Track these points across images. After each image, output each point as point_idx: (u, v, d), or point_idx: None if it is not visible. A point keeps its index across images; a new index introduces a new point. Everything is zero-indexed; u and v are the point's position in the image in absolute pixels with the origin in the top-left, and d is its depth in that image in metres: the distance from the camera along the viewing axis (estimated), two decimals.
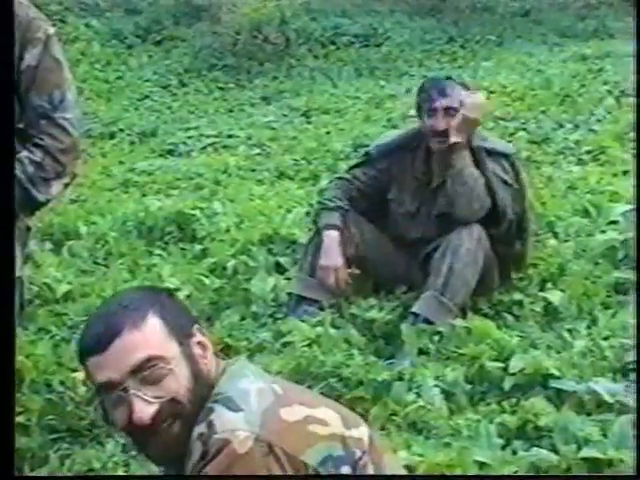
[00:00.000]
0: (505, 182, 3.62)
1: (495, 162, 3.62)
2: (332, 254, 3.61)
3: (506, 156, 3.67)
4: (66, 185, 2.67)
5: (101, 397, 1.67)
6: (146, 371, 1.63)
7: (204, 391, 1.67)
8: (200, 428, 1.59)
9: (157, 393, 1.64)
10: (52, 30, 2.61)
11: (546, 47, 9.69)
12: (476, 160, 3.57)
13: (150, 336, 1.66)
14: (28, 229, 2.72)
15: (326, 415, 1.65)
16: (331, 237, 3.64)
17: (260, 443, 1.55)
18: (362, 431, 1.69)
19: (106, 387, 1.65)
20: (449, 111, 3.53)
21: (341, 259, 3.61)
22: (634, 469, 2.33)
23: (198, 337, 1.72)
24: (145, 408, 1.63)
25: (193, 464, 1.59)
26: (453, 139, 3.52)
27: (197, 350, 1.71)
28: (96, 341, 1.65)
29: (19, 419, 2.95)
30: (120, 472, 2.69)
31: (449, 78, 3.69)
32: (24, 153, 2.57)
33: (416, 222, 3.70)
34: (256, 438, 1.55)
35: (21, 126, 2.58)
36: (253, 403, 1.61)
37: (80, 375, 3.14)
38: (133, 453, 2.78)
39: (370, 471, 1.64)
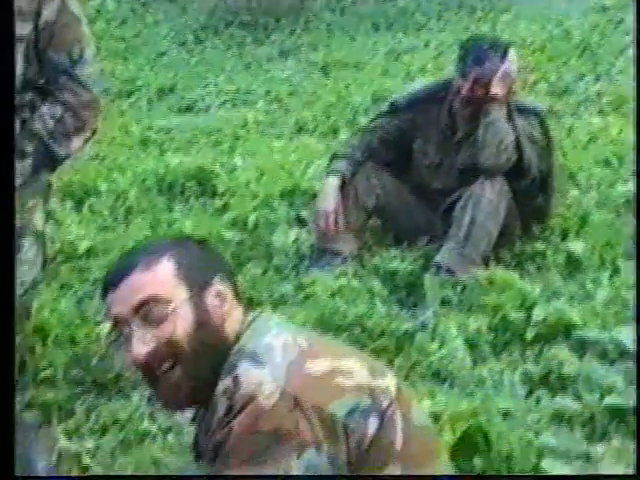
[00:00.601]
0: (533, 139, 3.61)
1: (525, 119, 3.61)
2: (327, 198, 3.62)
3: (536, 114, 3.65)
4: (86, 140, 2.68)
5: (115, 334, 1.71)
6: (147, 310, 1.66)
7: (210, 340, 1.67)
8: (225, 383, 1.59)
9: (155, 333, 1.66)
10: None
11: None
12: (507, 116, 3.56)
13: (159, 277, 1.68)
14: (49, 185, 2.73)
15: (352, 366, 1.64)
16: (330, 183, 3.65)
17: (286, 397, 1.54)
18: (389, 380, 1.69)
19: (115, 323, 1.69)
20: (479, 81, 3.51)
21: (334, 204, 3.60)
22: (634, 469, 2.33)
23: (217, 288, 1.72)
24: (141, 347, 1.65)
25: (219, 419, 1.59)
26: (493, 91, 3.50)
27: (212, 300, 1.70)
28: (111, 278, 1.71)
29: (45, 373, 2.98)
30: (146, 423, 2.71)
31: (492, 46, 3.59)
32: (44, 108, 2.58)
33: (439, 173, 3.70)
34: (282, 392, 1.54)
35: (41, 82, 2.58)
36: (278, 357, 1.60)
37: (104, 329, 3.17)
38: (158, 405, 2.81)
39: (398, 420, 1.64)
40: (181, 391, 1.68)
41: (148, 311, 1.66)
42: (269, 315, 1.77)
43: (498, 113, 3.53)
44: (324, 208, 3.61)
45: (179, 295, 1.67)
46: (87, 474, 2.54)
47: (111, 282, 1.70)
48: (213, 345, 1.68)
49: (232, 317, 1.72)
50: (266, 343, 1.63)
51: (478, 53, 3.55)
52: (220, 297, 1.71)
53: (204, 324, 1.68)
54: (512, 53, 3.64)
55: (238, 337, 1.69)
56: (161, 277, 1.68)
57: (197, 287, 1.69)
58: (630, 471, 2.26)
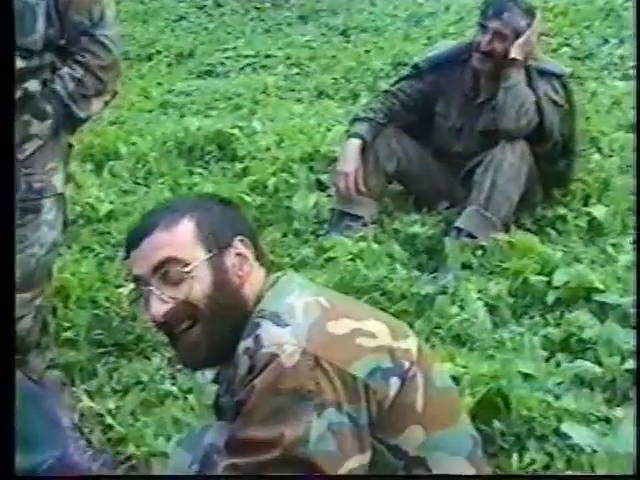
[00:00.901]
0: (555, 103, 3.57)
1: (546, 82, 3.57)
2: (347, 160, 3.61)
3: (558, 77, 3.61)
4: (106, 103, 2.67)
5: (136, 292, 1.74)
6: (166, 270, 1.67)
7: (228, 301, 1.68)
8: (247, 342, 1.60)
9: (173, 293, 1.67)
10: None
11: None
12: (528, 79, 3.53)
13: (177, 238, 1.69)
14: (70, 146, 2.73)
15: (374, 327, 1.65)
16: (351, 144, 3.64)
17: (307, 356, 1.55)
18: (411, 342, 1.69)
19: (137, 281, 1.72)
20: (498, 34, 3.49)
21: (354, 166, 3.59)
22: (634, 469, 2.32)
23: (237, 249, 1.72)
24: (159, 306, 1.67)
25: (241, 377, 1.60)
26: (512, 55, 3.48)
27: (232, 260, 1.71)
28: (133, 237, 1.73)
29: (67, 334, 3.01)
30: (167, 384, 2.74)
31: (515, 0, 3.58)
32: (64, 69, 2.57)
33: (460, 137, 3.68)
34: (303, 352, 1.55)
35: (61, 43, 2.57)
36: (300, 317, 1.61)
37: (125, 291, 3.18)
38: (179, 366, 2.83)
39: (419, 381, 1.65)
40: (200, 350, 1.70)
41: (167, 271, 1.67)
42: (292, 275, 1.77)
43: (518, 76, 3.50)
44: (344, 170, 3.61)
45: (197, 256, 1.68)
46: (109, 433, 2.57)
47: (133, 241, 1.72)
48: (231, 305, 1.69)
49: (253, 278, 1.73)
50: (288, 303, 1.64)
51: (498, 6, 3.52)
52: (240, 258, 1.72)
53: (222, 285, 1.69)
54: (534, 12, 3.62)
55: (260, 298, 1.69)
56: (180, 238, 1.69)
57: (216, 248, 1.70)
58: (630, 471, 2.25)
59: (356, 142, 3.63)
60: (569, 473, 2.22)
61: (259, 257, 1.76)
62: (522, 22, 3.53)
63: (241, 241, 1.73)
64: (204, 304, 1.67)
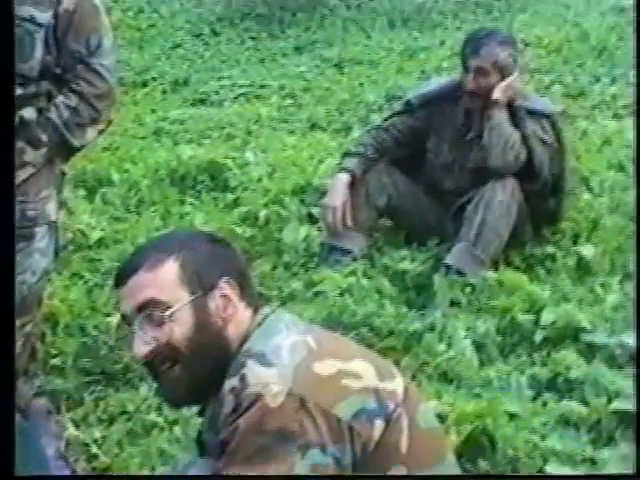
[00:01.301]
0: (544, 141, 3.60)
1: (535, 121, 3.61)
2: (335, 194, 3.62)
3: (547, 116, 3.65)
4: (101, 131, 2.69)
5: (124, 328, 1.74)
6: (149, 311, 1.68)
7: (210, 342, 1.69)
8: (232, 382, 1.61)
9: (155, 335, 1.68)
10: None
11: None
12: (516, 119, 3.58)
13: (161, 279, 1.69)
14: (63, 174, 2.74)
15: (360, 368, 1.65)
16: (339, 179, 3.65)
17: (292, 397, 1.56)
18: (397, 383, 1.69)
19: (123, 319, 1.74)
20: (480, 71, 3.53)
21: (341, 200, 3.60)
22: (634, 469, 2.33)
23: (223, 290, 1.72)
24: (141, 346, 1.69)
25: (225, 416, 1.60)
26: (495, 96, 3.52)
27: (216, 302, 1.71)
28: (120, 275, 1.75)
29: (54, 361, 3.01)
30: (154, 415, 2.73)
31: (488, 34, 3.64)
32: (60, 98, 2.59)
33: (451, 173, 3.70)
34: (288, 392, 1.56)
35: (58, 71, 2.59)
36: (286, 358, 1.61)
37: (114, 320, 3.19)
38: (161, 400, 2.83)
39: (404, 423, 1.65)
40: (181, 389, 1.72)
41: (150, 313, 1.69)
42: (280, 314, 1.77)
43: (500, 115, 3.54)
44: (331, 204, 3.62)
45: (180, 298, 1.69)
46: (94, 463, 2.56)
47: (120, 278, 1.74)
48: (213, 347, 1.70)
49: (238, 319, 1.73)
50: (275, 344, 1.65)
51: (474, 43, 3.56)
52: (224, 299, 1.72)
53: (204, 327, 1.70)
54: (512, 40, 3.69)
55: (246, 337, 1.70)
56: (164, 279, 1.70)
57: (200, 289, 1.70)
58: (630, 471, 2.26)
59: (345, 176, 3.65)
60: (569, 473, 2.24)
61: (247, 297, 1.76)
62: (501, 54, 3.56)
63: (226, 282, 1.73)
64: (185, 346, 1.69)
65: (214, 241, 1.81)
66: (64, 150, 2.65)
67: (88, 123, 2.62)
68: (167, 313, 1.68)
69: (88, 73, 2.59)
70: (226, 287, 1.73)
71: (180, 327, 1.68)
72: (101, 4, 2.64)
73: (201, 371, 1.70)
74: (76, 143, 2.63)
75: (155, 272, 1.70)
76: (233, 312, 1.72)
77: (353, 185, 3.64)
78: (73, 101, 2.58)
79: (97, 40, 2.59)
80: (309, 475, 1.55)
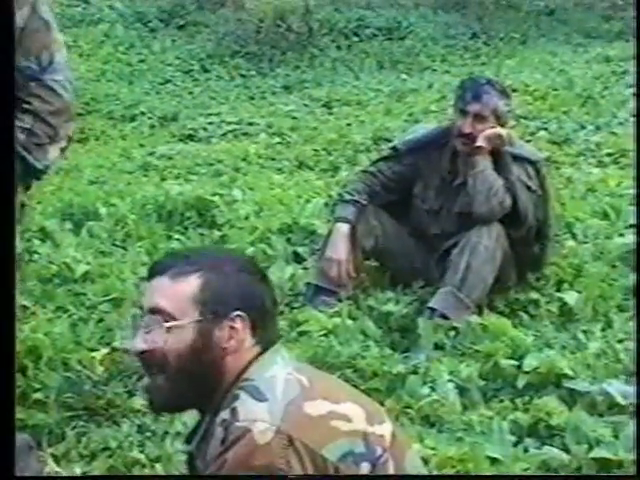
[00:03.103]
0: (529, 188, 3.65)
1: (520, 167, 3.65)
2: (337, 247, 3.64)
3: (532, 162, 3.70)
4: (62, 150, 2.61)
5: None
6: (156, 316, 1.70)
7: (201, 369, 1.69)
8: (224, 414, 1.62)
9: (155, 338, 1.70)
10: None
11: (570, 47, 9.65)
12: (501, 164, 3.62)
13: (177, 291, 1.71)
14: (22, 205, 2.65)
15: (350, 411, 1.66)
16: (339, 230, 3.66)
17: (280, 435, 1.57)
18: (385, 428, 1.70)
19: (140, 308, 1.77)
20: (478, 117, 3.59)
21: (345, 253, 3.62)
22: (634, 469, 2.35)
23: (231, 323, 1.71)
24: (139, 342, 1.71)
25: (214, 448, 1.62)
26: (479, 143, 3.57)
27: (222, 332, 1.70)
28: (150, 271, 1.78)
29: (36, 395, 2.99)
30: (135, 452, 2.72)
31: (489, 82, 3.72)
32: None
33: (438, 218, 3.73)
34: (277, 430, 1.57)
35: None
36: (278, 394, 1.62)
37: (98, 355, 3.18)
38: (148, 434, 2.82)
39: (390, 469, 1.66)
40: (160, 397, 1.73)
41: (156, 318, 1.70)
42: (279, 348, 1.76)
43: (484, 162, 3.59)
44: (335, 257, 3.62)
45: (186, 315, 1.70)
46: None
47: (149, 274, 1.77)
48: (202, 372, 1.70)
49: (241, 353, 1.72)
50: (268, 377, 1.66)
51: (476, 89, 3.62)
52: (232, 331, 1.71)
53: (201, 350, 1.70)
54: (509, 92, 3.78)
55: (246, 369, 1.70)
56: (179, 293, 1.70)
57: (211, 314, 1.70)
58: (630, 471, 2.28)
59: (344, 227, 3.65)
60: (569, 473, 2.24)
61: (260, 335, 1.74)
62: (500, 102, 3.64)
63: (238, 316, 1.71)
64: (174, 360, 1.69)
65: (249, 272, 1.77)
66: (27, 175, 2.57)
67: (47, 142, 2.55)
68: (167, 325, 1.69)
69: (41, 90, 2.53)
70: (237, 320, 1.71)
71: (176, 342, 1.69)
72: (52, 19, 2.57)
73: (183, 390, 1.70)
74: (39, 165, 2.57)
75: (176, 283, 1.71)
76: (237, 345, 1.71)
77: (352, 235, 3.66)
78: (28, 122, 2.52)
79: (49, 56, 2.53)
80: (310, 475, 1.56)
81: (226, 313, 1.71)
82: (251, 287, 1.75)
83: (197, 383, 1.70)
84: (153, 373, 1.72)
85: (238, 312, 1.71)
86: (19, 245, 2.62)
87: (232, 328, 1.71)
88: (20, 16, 2.48)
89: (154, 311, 1.71)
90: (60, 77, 2.55)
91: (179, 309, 1.70)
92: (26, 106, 2.52)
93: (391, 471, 1.66)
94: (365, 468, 1.62)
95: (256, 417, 1.58)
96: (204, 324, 1.70)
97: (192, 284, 1.71)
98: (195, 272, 1.71)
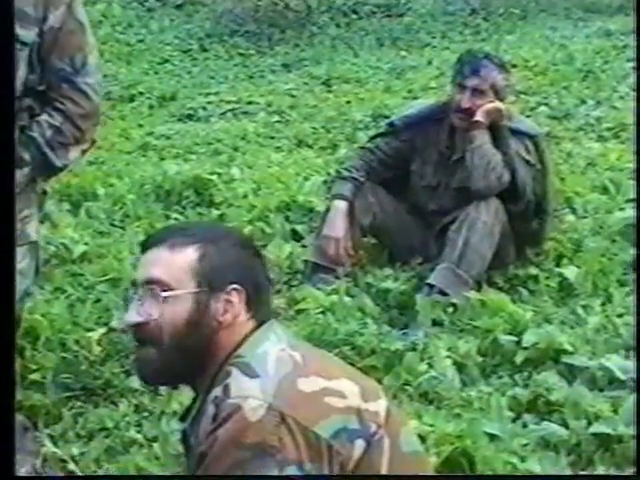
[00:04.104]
0: (527, 162, 3.63)
1: (519, 142, 3.63)
2: (335, 225, 3.62)
3: (531, 137, 3.67)
4: (84, 151, 2.64)
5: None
6: (152, 287, 1.68)
7: (196, 341, 1.68)
8: (216, 391, 1.61)
9: (149, 310, 1.68)
10: None
11: (570, 22, 9.60)
12: (499, 139, 3.59)
13: (174, 262, 1.70)
14: (44, 192, 2.70)
15: (344, 387, 1.64)
16: (337, 207, 3.64)
17: (272, 412, 1.55)
18: (380, 404, 1.68)
19: (133, 284, 1.76)
20: (477, 91, 3.57)
21: (343, 230, 3.61)
22: (634, 469, 2.33)
23: (229, 295, 1.70)
24: (132, 315, 1.70)
25: (206, 425, 1.61)
26: (477, 117, 3.55)
27: (218, 304, 1.69)
28: (145, 243, 1.77)
29: (33, 376, 2.98)
30: (132, 432, 2.71)
31: (487, 56, 3.70)
32: (44, 116, 2.54)
33: (435, 194, 3.71)
34: (269, 407, 1.56)
35: (42, 88, 2.55)
36: (270, 370, 1.61)
37: (95, 335, 3.17)
38: (145, 414, 2.82)
39: (385, 445, 1.64)
40: (149, 369, 1.72)
41: (153, 289, 1.68)
42: (272, 323, 1.74)
43: (483, 137, 3.57)
44: (333, 235, 3.61)
45: (184, 287, 1.69)
46: None
47: (144, 246, 1.76)
48: (197, 345, 1.69)
49: (235, 327, 1.71)
50: (262, 352, 1.64)
51: (474, 64, 3.59)
52: (227, 304, 1.70)
53: (196, 323, 1.68)
54: (507, 66, 3.76)
55: (239, 345, 1.69)
56: (177, 264, 1.69)
57: (208, 287, 1.69)
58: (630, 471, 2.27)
59: (342, 204, 3.64)
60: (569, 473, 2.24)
61: (254, 309, 1.73)
62: (498, 77, 3.62)
63: (235, 289, 1.71)
64: (169, 332, 1.68)
65: (244, 247, 1.78)
66: (46, 169, 2.60)
67: (71, 143, 2.57)
68: (164, 294, 1.67)
69: (73, 92, 2.55)
70: (233, 293, 1.71)
71: (172, 313, 1.68)
72: (87, 22, 2.60)
73: (175, 362, 1.69)
74: (58, 163, 2.59)
75: (173, 253, 1.70)
76: (232, 319, 1.70)
77: (350, 212, 3.64)
78: (57, 120, 2.54)
79: (82, 58, 2.55)
80: (309, 475, 1.54)
81: (223, 286, 1.70)
82: (247, 262, 1.75)
83: (189, 356, 1.69)
84: (144, 345, 1.71)
85: (235, 285, 1.70)
86: (37, 236, 2.64)
87: (228, 301, 1.70)
88: (56, 16, 2.51)
89: (150, 282, 1.69)
90: (92, 80, 2.57)
91: (176, 279, 1.68)
92: (57, 105, 2.55)
93: (386, 448, 1.64)
94: (359, 445, 1.61)
95: (248, 394, 1.57)
96: (201, 295, 1.69)
97: (190, 255, 1.70)
98: (193, 244, 1.71)
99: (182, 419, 1.80)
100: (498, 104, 3.59)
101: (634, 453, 2.43)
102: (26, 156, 2.52)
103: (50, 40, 2.51)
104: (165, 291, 1.68)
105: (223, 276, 1.70)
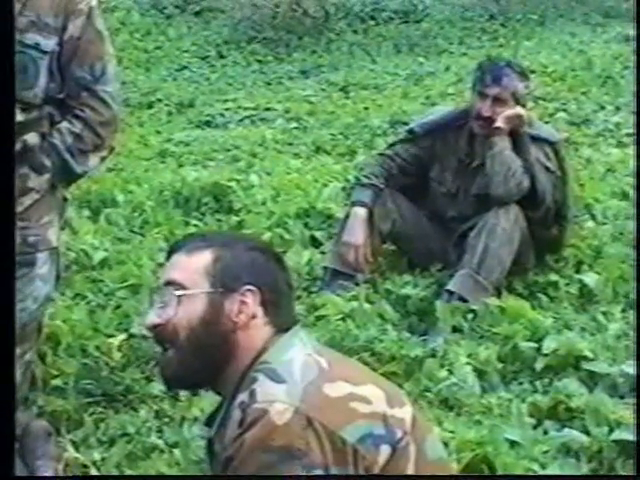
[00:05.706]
0: (547, 168, 3.62)
1: (539, 148, 3.63)
2: (354, 231, 3.62)
3: (550, 143, 3.67)
4: (103, 159, 2.67)
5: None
6: (170, 289, 1.73)
7: (212, 340, 1.70)
8: (242, 396, 1.63)
9: (168, 312, 1.72)
10: (95, 1, 2.61)
11: (589, 27, 9.58)
12: (519, 145, 3.59)
13: (190, 264, 1.74)
14: (65, 199, 2.73)
15: (370, 393, 1.65)
16: (357, 214, 3.65)
17: (299, 416, 1.57)
18: (406, 411, 1.69)
19: (158, 289, 1.80)
20: (498, 100, 3.56)
21: (363, 237, 3.61)
22: (634, 469, 2.32)
23: (244, 296, 1.72)
24: (152, 317, 1.75)
25: (231, 430, 1.62)
26: (498, 124, 3.55)
27: (232, 305, 1.72)
28: (169, 250, 1.83)
29: (55, 382, 2.99)
30: (154, 438, 2.72)
31: (508, 64, 3.69)
32: (64, 124, 2.58)
33: (455, 201, 3.71)
34: (295, 410, 1.57)
35: (62, 96, 2.58)
36: (296, 375, 1.63)
37: (115, 341, 3.18)
38: (166, 420, 2.83)
39: (411, 452, 1.65)
40: (170, 371, 1.75)
41: (170, 291, 1.73)
42: (297, 330, 1.76)
43: (502, 143, 3.57)
44: (353, 241, 3.61)
45: (198, 287, 1.72)
46: None
47: (168, 253, 1.82)
48: (213, 344, 1.71)
49: (252, 329, 1.72)
50: (287, 359, 1.66)
51: (495, 72, 3.59)
52: (242, 305, 1.72)
53: (211, 323, 1.71)
54: (528, 74, 3.76)
55: (262, 352, 1.70)
56: (192, 266, 1.74)
57: (222, 287, 1.72)
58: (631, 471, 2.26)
59: (362, 211, 3.64)
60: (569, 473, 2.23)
61: (273, 314, 1.75)
62: (519, 85, 3.62)
63: (249, 290, 1.73)
64: (184, 334, 1.71)
65: (260, 251, 1.80)
66: (66, 176, 2.63)
67: (91, 150, 2.60)
68: (177, 293, 1.71)
69: (93, 100, 2.58)
70: (247, 294, 1.73)
71: (187, 313, 1.71)
72: (106, 31, 2.63)
73: (193, 363, 1.72)
74: (78, 170, 2.62)
75: (190, 257, 1.75)
76: (247, 320, 1.72)
77: (369, 219, 3.64)
78: (77, 127, 2.57)
79: (102, 67, 2.59)
80: (310, 475, 1.55)
81: (237, 287, 1.73)
82: (263, 265, 1.78)
83: (207, 357, 1.71)
84: (165, 348, 1.74)
85: (249, 286, 1.73)
86: (58, 240, 2.67)
87: (242, 302, 1.73)
88: (76, 25, 2.55)
89: (168, 283, 1.74)
90: (110, 88, 2.61)
91: (190, 280, 1.72)
92: (78, 112, 2.58)
93: (412, 454, 1.65)
94: (385, 450, 1.62)
95: (274, 398, 1.58)
96: (215, 296, 1.72)
97: (205, 257, 1.74)
98: (209, 247, 1.76)
99: (208, 424, 1.81)
100: (519, 110, 3.59)
101: (634, 453, 2.41)
102: (47, 162, 2.56)
103: (70, 49, 2.55)
104: (183, 290, 1.71)
105: (237, 277, 1.73)
